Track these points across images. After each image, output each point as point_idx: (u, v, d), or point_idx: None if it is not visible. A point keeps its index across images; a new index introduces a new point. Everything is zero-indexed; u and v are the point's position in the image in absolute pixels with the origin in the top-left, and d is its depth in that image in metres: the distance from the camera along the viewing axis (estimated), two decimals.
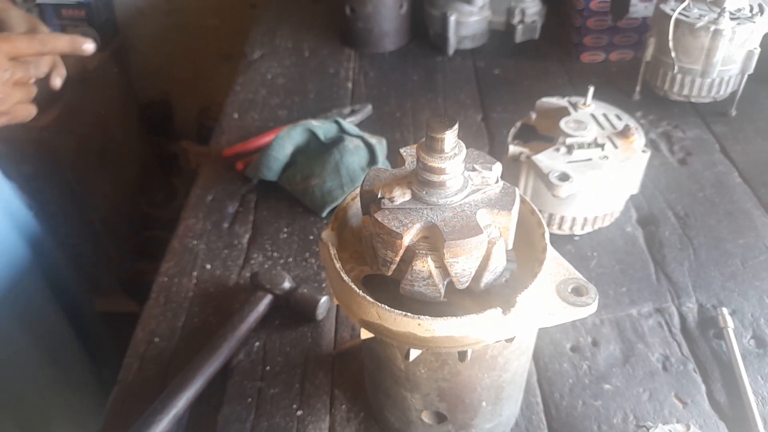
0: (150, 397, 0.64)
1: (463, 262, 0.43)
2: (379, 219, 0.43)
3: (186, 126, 2.04)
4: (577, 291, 0.47)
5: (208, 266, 0.81)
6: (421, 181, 0.44)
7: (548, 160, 0.76)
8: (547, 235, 0.48)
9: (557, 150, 0.77)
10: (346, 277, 0.46)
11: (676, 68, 1.00)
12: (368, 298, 0.44)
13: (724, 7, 0.95)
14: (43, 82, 0.79)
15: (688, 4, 0.98)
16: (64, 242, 1.34)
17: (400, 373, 0.53)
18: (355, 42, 1.28)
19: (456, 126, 0.41)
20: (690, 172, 0.95)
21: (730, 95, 1.04)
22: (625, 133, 0.79)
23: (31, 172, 1.39)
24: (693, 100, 1.04)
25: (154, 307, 0.76)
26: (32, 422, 1.00)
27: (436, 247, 0.43)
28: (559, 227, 0.83)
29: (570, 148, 0.77)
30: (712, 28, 0.94)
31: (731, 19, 0.95)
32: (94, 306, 1.23)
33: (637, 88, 1.09)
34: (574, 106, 0.84)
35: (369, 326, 0.46)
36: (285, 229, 0.87)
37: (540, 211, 0.57)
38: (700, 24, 0.95)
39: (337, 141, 0.90)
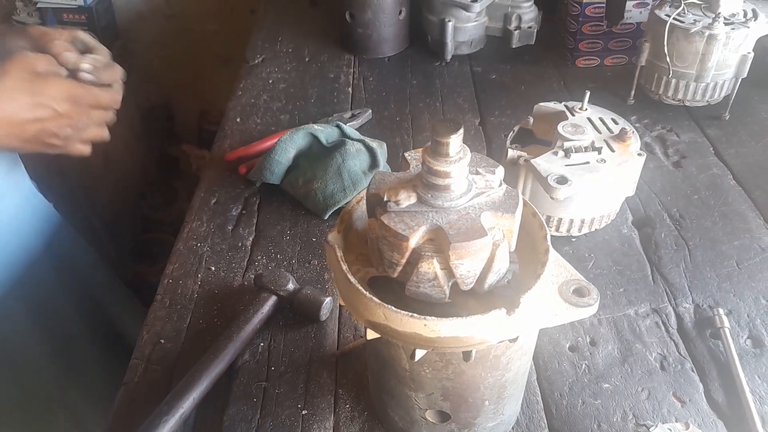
0: (156, 399, 0.65)
1: (468, 264, 0.44)
2: (386, 222, 0.44)
3: (187, 130, 2.05)
4: (579, 292, 0.48)
5: (213, 268, 0.82)
6: (426, 184, 0.45)
7: (546, 163, 0.77)
8: (548, 237, 0.49)
9: (555, 153, 0.79)
10: (353, 279, 0.47)
11: (670, 72, 1.02)
12: (375, 299, 0.45)
13: (719, 13, 0.97)
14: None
15: (683, 9, 1.00)
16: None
17: (405, 373, 0.54)
18: (355, 47, 1.29)
19: (461, 130, 0.42)
20: (685, 174, 0.96)
21: (724, 99, 1.06)
22: (621, 136, 0.81)
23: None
24: (687, 103, 1.06)
25: (159, 309, 0.77)
26: (35, 418, 1.00)
27: (441, 249, 0.44)
28: (557, 229, 0.84)
29: (568, 152, 0.79)
30: (707, 33, 0.96)
31: (725, 24, 0.97)
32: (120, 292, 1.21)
33: (632, 92, 1.10)
34: (571, 110, 0.86)
35: (375, 327, 0.47)
36: (288, 232, 0.88)
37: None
38: (694, 29, 0.97)
39: (338, 145, 0.92)
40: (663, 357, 0.71)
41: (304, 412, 0.66)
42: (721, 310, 0.74)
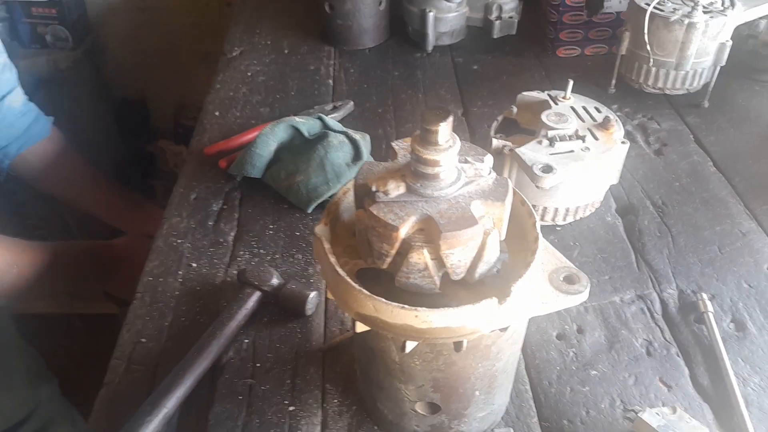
0: (138, 399, 0.63)
1: (458, 254, 0.43)
2: (375, 212, 0.43)
3: (162, 125, 2.01)
4: (569, 279, 0.48)
5: (194, 265, 0.81)
6: (415, 173, 0.44)
7: (531, 152, 0.77)
8: (538, 225, 0.49)
9: (540, 142, 0.79)
10: (341, 272, 0.46)
11: (651, 61, 1.02)
12: (365, 291, 0.44)
13: (698, 1, 0.97)
14: None
15: None
16: None
17: (395, 366, 0.53)
18: (335, 39, 1.27)
19: (451, 118, 0.41)
20: (666, 162, 0.97)
21: (703, 87, 1.07)
22: (605, 124, 0.81)
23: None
24: (667, 92, 1.06)
25: (139, 308, 0.76)
26: None
27: (431, 239, 0.43)
28: (542, 218, 0.84)
29: (552, 141, 0.78)
30: (686, 21, 0.97)
31: (704, 12, 0.98)
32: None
33: (613, 82, 1.11)
34: (554, 99, 0.86)
35: (365, 319, 0.46)
36: (271, 226, 0.86)
37: None
38: (674, 17, 0.97)
39: (321, 137, 0.90)
40: (649, 343, 0.71)
41: (291, 408, 0.65)
42: (704, 295, 0.75)
